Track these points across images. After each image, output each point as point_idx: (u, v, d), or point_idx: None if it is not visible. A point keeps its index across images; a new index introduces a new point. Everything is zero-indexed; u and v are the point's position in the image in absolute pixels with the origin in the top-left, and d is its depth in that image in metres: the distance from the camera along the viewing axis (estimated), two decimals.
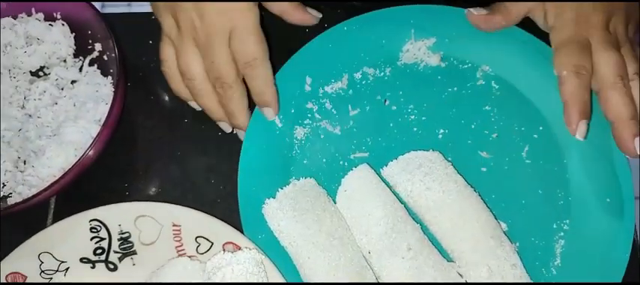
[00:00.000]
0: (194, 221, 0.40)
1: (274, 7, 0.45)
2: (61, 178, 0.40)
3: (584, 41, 0.41)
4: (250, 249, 0.38)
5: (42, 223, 0.44)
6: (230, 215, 0.42)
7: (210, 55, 0.41)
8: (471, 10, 0.45)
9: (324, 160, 0.44)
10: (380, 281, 0.39)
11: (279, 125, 0.44)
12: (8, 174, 0.43)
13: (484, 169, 0.44)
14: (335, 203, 0.41)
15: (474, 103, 0.46)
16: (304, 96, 0.46)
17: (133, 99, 0.47)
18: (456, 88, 0.46)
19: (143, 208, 0.40)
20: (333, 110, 0.46)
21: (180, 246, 0.40)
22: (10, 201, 0.42)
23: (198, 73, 0.42)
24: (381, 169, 0.43)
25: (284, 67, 0.45)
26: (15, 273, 0.39)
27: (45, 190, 0.39)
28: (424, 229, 0.41)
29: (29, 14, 0.47)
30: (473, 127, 0.45)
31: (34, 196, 0.39)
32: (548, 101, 0.45)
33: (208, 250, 0.40)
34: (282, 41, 0.44)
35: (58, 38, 0.47)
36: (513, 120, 0.45)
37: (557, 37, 0.42)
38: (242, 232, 0.40)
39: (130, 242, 0.41)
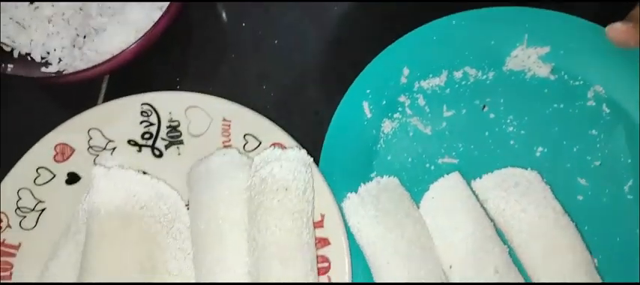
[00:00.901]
0: (245, 118, 0.39)
1: None
2: (117, 55, 0.39)
3: None
4: (300, 149, 0.37)
5: (93, 103, 0.44)
6: (278, 122, 0.40)
7: None
8: (615, 25, 0.40)
9: (410, 159, 0.42)
10: None
11: (369, 116, 0.42)
12: (64, 50, 0.43)
13: (580, 198, 0.41)
14: (418, 208, 0.39)
15: (579, 125, 0.42)
16: (398, 88, 0.43)
17: None
18: (562, 105, 0.43)
19: (196, 99, 0.40)
20: (426, 108, 0.43)
21: (227, 141, 0.40)
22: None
23: None
24: (471, 181, 0.40)
25: (382, 53, 0.42)
26: (63, 144, 0.39)
27: (100, 64, 0.39)
28: (510, 252, 0.38)
29: None
30: (575, 150, 0.42)
31: (87, 69, 0.39)
32: None
33: (255, 148, 0.39)
34: (383, 27, 0.42)
35: None
36: (620, 150, 0.42)
37: None
38: None
39: (179, 131, 0.40)
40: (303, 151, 0.37)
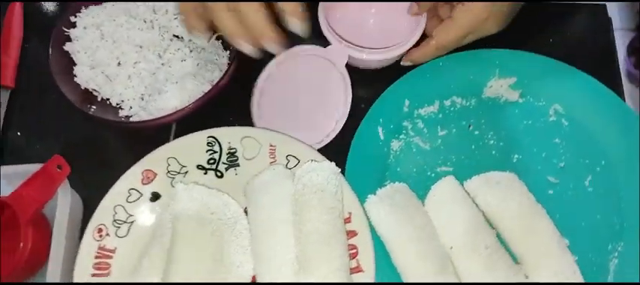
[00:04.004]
0: (286, 143, 0.50)
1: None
2: (175, 112, 0.51)
3: None
4: (331, 162, 0.48)
5: (167, 139, 0.55)
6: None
7: None
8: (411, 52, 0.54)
9: (415, 170, 0.53)
10: (457, 273, 0.47)
11: (381, 137, 0.54)
12: (134, 101, 0.55)
13: (551, 192, 0.52)
14: (423, 205, 0.50)
15: (545, 136, 0.54)
16: (402, 115, 0.55)
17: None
18: (530, 122, 0.54)
19: (248, 131, 0.51)
20: (424, 129, 0.55)
21: (273, 161, 0.51)
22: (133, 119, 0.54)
23: None
24: (464, 182, 0.51)
25: (388, 90, 0.54)
26: (148, 170, 0.50)
27: (159, 118, 0.51)
28: (497, 235, 0.49)
29: None
30: (543, 155, 0.53)
31: (148, 120, 0.51)
32: (612, 141, 0.52)
33: (295, 165, 0.50)
34: (387, 70, 0.54)
35: None
36: (579, 153, 0.53)
37: None
38: None
39: (236, 156, 0.51)
40: (333, 164, 0.49)
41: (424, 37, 0.54)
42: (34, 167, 0.48)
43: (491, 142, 0.54)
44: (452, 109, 0.55)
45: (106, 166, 0.56)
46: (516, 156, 0.53)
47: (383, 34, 0.59)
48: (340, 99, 0.54)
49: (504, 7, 0.52)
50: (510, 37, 0.54)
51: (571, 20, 0.61)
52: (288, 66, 0.56)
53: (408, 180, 0.52)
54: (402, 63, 0.55)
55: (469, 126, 0.55)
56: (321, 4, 0.55)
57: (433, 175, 0.53)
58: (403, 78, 0.55)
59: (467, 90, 0.56)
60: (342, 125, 0.53)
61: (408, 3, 0.56)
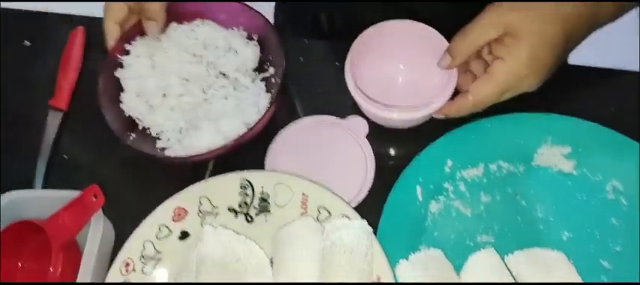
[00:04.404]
0: (319, 194, 0.49)
1: None
2: (210, 151, 0.51)
3: None
4: (363, 220, 0.46)
5: (202, 176, 0.54)
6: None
7: None
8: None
9: (453, 236, 0.50)
10: None
11: (420, 198, 0.51)
12: (172, 133, 0.55)
13: (604, 278, 0.47)
14: (459, 277, 0.47)
15: (601, 214, 0.49)
16: (443, 176, 0.52)
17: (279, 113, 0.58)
18: (585, 197, 0.50)
19: (283, 178, 0.50)
20: (466, 193, 0.52)
21: (304, 211, 0.49)
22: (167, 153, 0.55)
23: None
24: (505, 256, 0.47)
25: (430, 147, 0.52)
26: (180, 208, 0.50)
27: (193, 156, 0.51)
28: None
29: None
30: (597, 236, 0.48)
31: (181, 157, 0.52)
32: None
33: (326, 218, 0.48)
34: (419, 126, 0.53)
35: (249, 55, 0.59)
36: (639, 238, 0.48)
37: None
38: None
39: (267, 202, 0.50)
40: (365, 222, 0.46)
41: (455, 93, 0.51)
42: (72, 194, 0.49)
43: (539, 214, 0.50)
44: (498, 174, 0.52)
45: (144, 197, 0.56)
46: (566, 234, 0.49)
47: (413, 91, 0.56)
48: (361, 170, 0.52)
49: (545, 64, 0.48)
50: (568, 103, 0.51)
51: (637, 90, 0.57)
52: (304, 134, 0.55)
53: (444, 246, 0.49)
54: (434, 115, 0.52)
55: (516, 195, 0.51)
56: (347, 63, 0.53)
57: (472, 244, 0.49)
58: (446, 136, 0.52)
59: (515, 155, 0.52)
60: (364, 196, 0.51)
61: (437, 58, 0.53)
